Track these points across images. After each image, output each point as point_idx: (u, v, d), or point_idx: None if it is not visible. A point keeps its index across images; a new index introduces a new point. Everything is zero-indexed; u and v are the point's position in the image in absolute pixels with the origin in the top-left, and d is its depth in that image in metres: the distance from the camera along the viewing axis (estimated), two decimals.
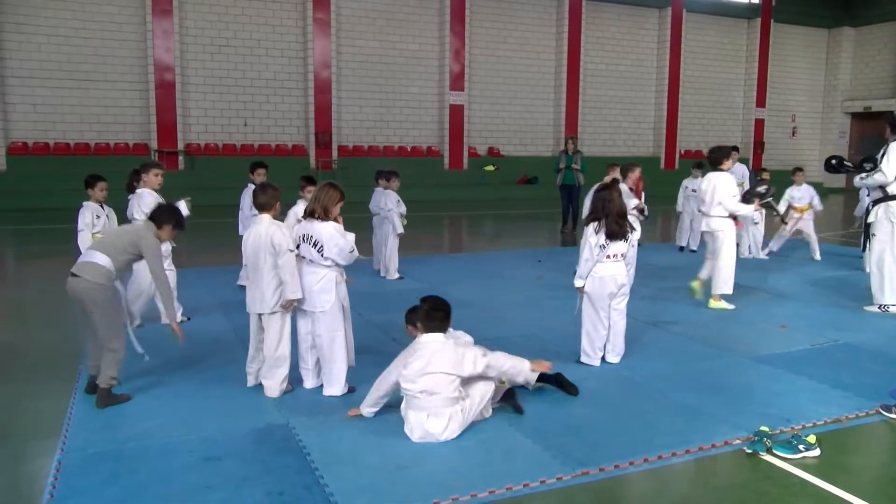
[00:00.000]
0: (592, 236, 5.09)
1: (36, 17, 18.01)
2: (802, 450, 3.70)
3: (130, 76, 19.10)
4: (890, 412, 4.29)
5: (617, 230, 5.07)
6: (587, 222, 5.18)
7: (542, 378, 4.49)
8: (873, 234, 7.09)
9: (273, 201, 4.68)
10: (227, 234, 8.44)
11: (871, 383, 4.87)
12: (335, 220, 4.60)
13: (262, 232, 4.55)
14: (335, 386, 4.60)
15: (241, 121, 20.49)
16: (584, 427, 4.09)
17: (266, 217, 4.64)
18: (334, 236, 4.52)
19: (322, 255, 4.51)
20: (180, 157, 19.61)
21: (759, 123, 28.45)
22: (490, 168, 23.18)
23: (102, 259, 4.27)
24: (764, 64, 27.95)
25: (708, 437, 3.92)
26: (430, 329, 4.03)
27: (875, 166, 6.95)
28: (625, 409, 4.41)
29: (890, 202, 6.90)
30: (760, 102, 28.21)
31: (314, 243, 4.52)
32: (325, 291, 4.55)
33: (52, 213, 14.81)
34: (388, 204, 8.70)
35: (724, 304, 7.23)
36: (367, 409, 4.14)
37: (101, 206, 6.44)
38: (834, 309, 7.23)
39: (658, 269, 9.52)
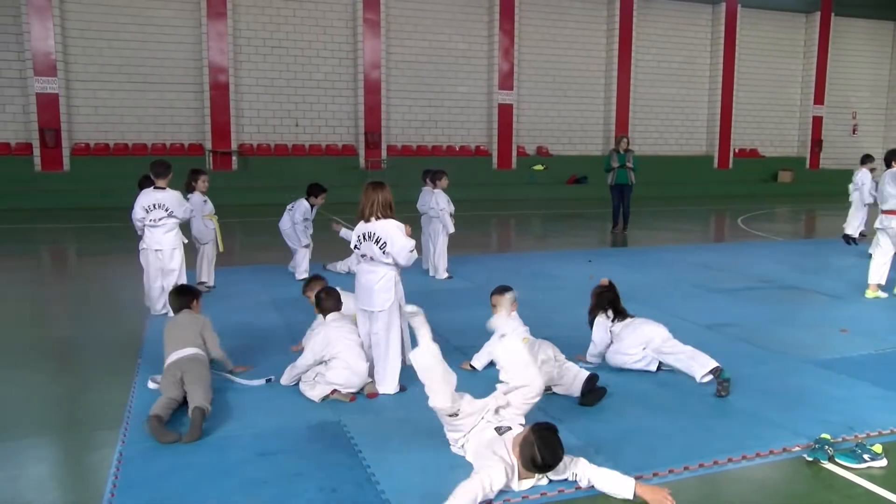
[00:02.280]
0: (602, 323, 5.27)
1: (97, 23, 18.64)
2: (867, 459, 3.56)
3: (186, 78, 19.60)
4: None
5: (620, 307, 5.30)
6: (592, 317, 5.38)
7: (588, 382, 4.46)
8: None
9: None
10: (279, 232, 8.58)
11: None
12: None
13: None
14: (388, 384, 4.63)
15: (292, 121, 20.83)
16: (637, 432, 4.03)
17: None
18: (397, 234, 4.54)
19: (384, 252, 4.53)
20: (234, 158, 20.05)
21: (817, 121, 27.61)
22: (539, 167, 23.06)
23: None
24: (823, 59, 27.10)
25: (766, 444, 3.82)
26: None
27: None
28: (679, 413, 4.32)
29: None
30: (819, 99, 27.37)
31: (377, 240, 4.55)
32: (385, 291, 4.59)
33: (111, 212, 15.30)
34: (440, 203, 8.69)
35: (880, 294, 7.64)
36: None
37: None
38: None
39: (706, 270, 9.31)
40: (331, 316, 4.78)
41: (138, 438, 3.84)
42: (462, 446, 3.62)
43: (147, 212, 6.60)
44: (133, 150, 19.20)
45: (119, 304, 7.24)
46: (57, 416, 4.32)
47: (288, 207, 8.65)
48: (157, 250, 6.65)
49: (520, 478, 3.30)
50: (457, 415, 3.59)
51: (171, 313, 6.55)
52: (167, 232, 6.67)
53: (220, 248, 7.95)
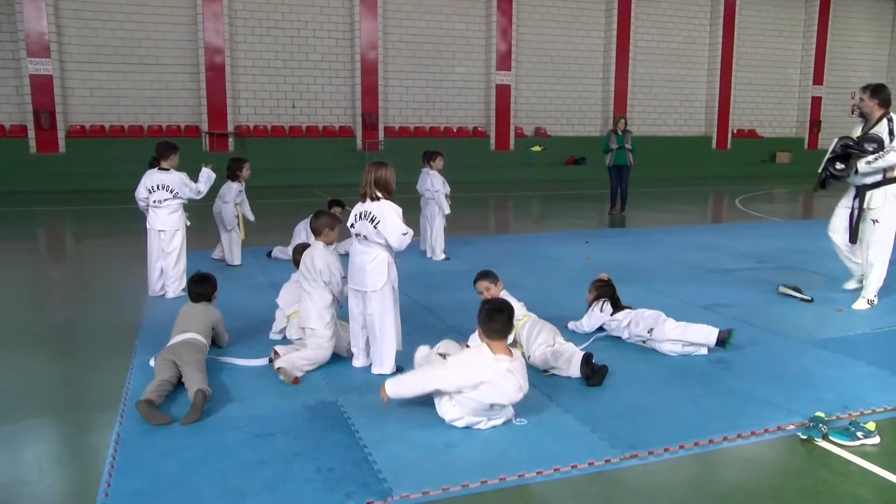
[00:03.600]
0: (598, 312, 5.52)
1: (92, 3, 18.48)
2: (861, 437, 3.59)
3: (182, 59, 19.47)
4: None
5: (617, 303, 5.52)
6: (590, 303, 5.62)
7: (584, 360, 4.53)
8: (875, 221, 6.22)
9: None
10: (277, 213, 8.57)
11: None
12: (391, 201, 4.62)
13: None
14: (384, 365, 4.64)
15: (289, 103, 20.72)
16: (634, 410, 4.05)
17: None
18: (391, 215, 4.53)
19: (377, 231, 4.52)
20: (230, 139, 19.97)
21: (816, 101, 27.52)
22: (537, 148, 22.99)
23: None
24: (823, 40, 26.94)
25: (761, 422, 3.84)
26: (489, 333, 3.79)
27: (880, 146, 6.04)
28: (676, 392, 4.34)
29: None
30: (818, 80, 27.26)
31: (371, 219, 4.54)
32: (378, 272, 4.58)
33: (107, 195, 15.26)
34: (435, 185, 8.71)
35: None
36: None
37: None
38: (895, 293, 6.97)
39: (704, 251, 9.32)
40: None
41: (136, 420, 3.85)
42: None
43: (150, 192, 6.64)
44: (129, 132, 19.11)
45: (116, 287, 7.23)
46: (55, 399, 4.33)
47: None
48: (159, 230, 6.69)
49: (495, 356, 3.68)
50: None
51: (172, 294, 6.64)
52: (171, 213, 6.70)
53: (243, 235, 8.18)
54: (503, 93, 22.59)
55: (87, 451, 3.62)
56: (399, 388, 3.86)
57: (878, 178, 6.18)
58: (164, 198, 6.63)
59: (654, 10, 24.67)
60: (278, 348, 4.78)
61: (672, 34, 25.12)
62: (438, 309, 6.25)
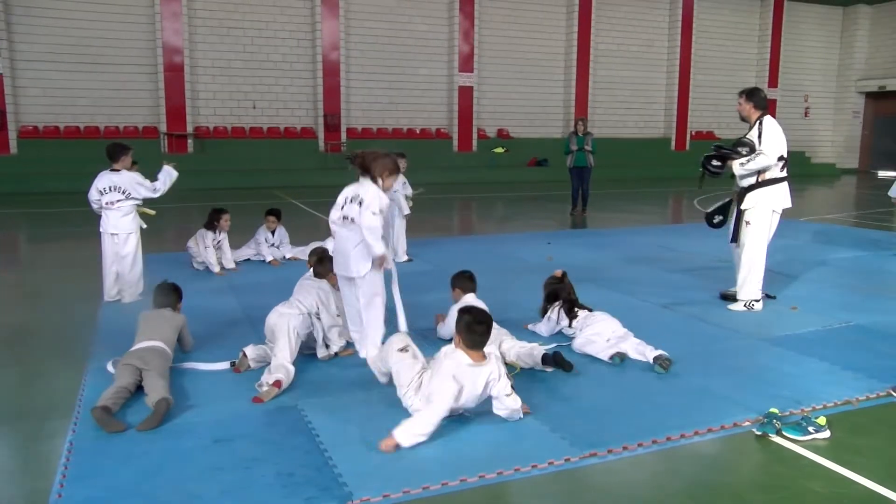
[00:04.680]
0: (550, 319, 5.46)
1: (44, 1, 18.00)
2: (812, 431, 3.68)
3: (140, 59, 19.12)
4: None
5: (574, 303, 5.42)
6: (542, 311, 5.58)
7: (543, 358, 4.61)
8: (747, 223, 6.29)
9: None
10: (239, 215, 8.46)
11: (882, 365, 4.84)
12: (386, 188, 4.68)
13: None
14: (370, 348, 4.69)
15: (249, 103, 20.49)
16: (593, 409, 4.09)
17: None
18: (374, 201, 4.55)
19: (364, 210, 4.54)
20: (189, 141, 19.66)
21: (772, 104, 28.09)
22: (499, 150, 23.10)
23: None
24: (777, 43, 27.63)
25: (717, 419, 3.91)
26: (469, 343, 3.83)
27: (752, 149, 6.20)
28: (634, 390, 4.40)
29: (770, 187, 6.21)
30: (773, 82, 27.91)
31: (360, 202, 4.57)
32: (361, 257, 4.61)
33: (61, 197, 14.90)
34: (395, 185, 8.63)
35: None
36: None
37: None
38: (846, 291, 7.18)
39: (663, 250, 9.47)
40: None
41: (90, 427, 3.76)
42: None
43: (102, 194, 6.49)
44: (85, 133, 18.68)
45: (71, 291, 7.06)
46: (6, 406, 4.20)
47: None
48: (112, 234, 6.53)
49: (473, 362, 3.71)
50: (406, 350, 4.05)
51: (129, 299, 6.49)
52: (124, 216, 6.54)
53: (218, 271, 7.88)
54: (466, 94, 22.66)
55: (39, 460, 3.52)
56: (412, 437, 3.55)
57: (753, 180, 6.30)
58: (116, 199, 6.47)
59: (614, 14, 24.99)
60: (247, 350, 4.73)
61: (632, 37, 25.49)
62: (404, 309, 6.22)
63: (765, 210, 6.26)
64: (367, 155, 4.77)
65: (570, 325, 5.31)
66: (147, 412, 3.87)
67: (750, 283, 6.34)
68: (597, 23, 24.34)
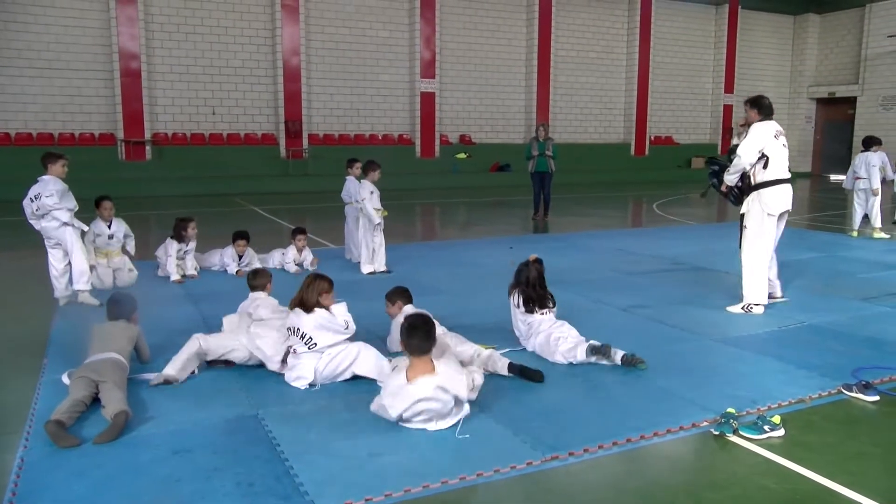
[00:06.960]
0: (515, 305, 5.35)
1: None
2: (767, 430, 3.76)
3: (95, 65, 18.73)
4: (851, 391, 4.39)
5: (533, 295, 5.25)
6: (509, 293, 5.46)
7: (508, 369, 4.64)
8: (744, 227, 6.45)
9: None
10: (200, 223, 8.31)
11: (835, 363, 4.97)
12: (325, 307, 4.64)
13: None
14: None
15: (209, 110, 20.22)
16: (554, 412, 4.12)
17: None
18: (322, 326, 4.55)
19: (314, 347, 4.51)
20: (147, 147, 19.31)
21: (728, 109, 28.79)
22: (462, 156, 23.18)
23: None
24: (732, 50, 28.25)
25: (676, 420, 3.97)
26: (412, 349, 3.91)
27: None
28: (595, 393, 4.44)
29: (762, 191, 6.28)
30: (729, 88, 28.52)
31: (301, 335, 4.55)
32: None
33: (13, 206, 14.47)
34: (362, 193, 8.44)
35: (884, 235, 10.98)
36: None
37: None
38: (801, 291, 7.35)
39: (624, 254, 9.59)
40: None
41: (43, 442, 3.66)
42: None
43: (32, 201, 6.60)
44: (38, 140, 18.20)
45: (22, 301, 6.88)
46: None
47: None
48: (46, 238, 6.70)
49: (409, 381, 3.77)
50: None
51: (82, 287, 6.38)
52: (50, 221, 6.62)
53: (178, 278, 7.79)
54: (428, 100, 22.68)
55: None
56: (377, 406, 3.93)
57: (751, 182, 6.38)
58: (43, 206, 6.57)
59: (573, 20, 25.29)
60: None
61: (591, 43, 25.82)
62: (366, 316, 6.18)
63: (757, 213, 6.34)
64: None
65: (524, 312, 5.21)
66: (104, 425, 3.78)
67: (750, 287, 6.43)
68: (557, 29, 24.61)
